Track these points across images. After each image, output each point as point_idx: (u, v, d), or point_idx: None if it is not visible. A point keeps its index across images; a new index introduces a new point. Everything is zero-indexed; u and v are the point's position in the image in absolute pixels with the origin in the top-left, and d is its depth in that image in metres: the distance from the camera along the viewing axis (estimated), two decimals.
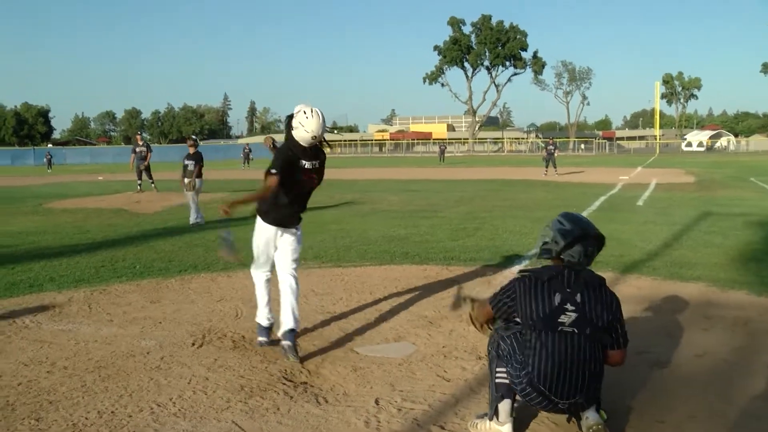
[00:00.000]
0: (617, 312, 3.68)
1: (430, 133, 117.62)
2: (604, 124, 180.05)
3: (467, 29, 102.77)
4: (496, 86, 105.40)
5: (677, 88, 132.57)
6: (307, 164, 5.24)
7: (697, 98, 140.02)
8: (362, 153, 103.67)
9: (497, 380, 3.69)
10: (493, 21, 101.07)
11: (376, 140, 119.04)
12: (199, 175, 13.65)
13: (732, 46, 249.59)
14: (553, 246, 3.68)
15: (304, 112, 5.09)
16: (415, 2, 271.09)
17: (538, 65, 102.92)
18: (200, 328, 5.91)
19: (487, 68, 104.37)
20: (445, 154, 59.83)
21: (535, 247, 3.98)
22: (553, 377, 3.50)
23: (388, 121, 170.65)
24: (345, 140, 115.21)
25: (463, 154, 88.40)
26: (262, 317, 5.53)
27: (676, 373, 4.66)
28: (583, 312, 3.54)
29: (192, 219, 13.47)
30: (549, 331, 3.54)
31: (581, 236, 3.62)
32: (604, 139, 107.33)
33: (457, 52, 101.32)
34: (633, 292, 7.00)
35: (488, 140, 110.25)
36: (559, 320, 3.53)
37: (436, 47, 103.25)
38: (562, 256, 3.65)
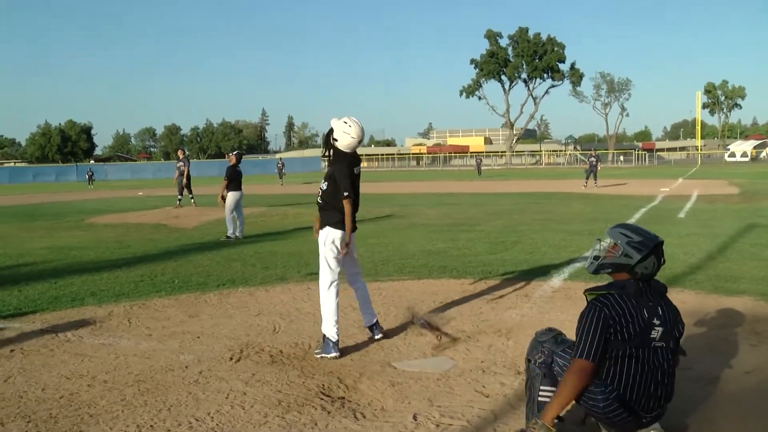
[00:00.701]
0: (682, 324, 3.70)
1: (468, 147, 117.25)
2: (644, 135, 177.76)
3: (504, 42, 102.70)
4: (534, 99, 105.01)
5: (720, 97, 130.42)
6: (356, 170, 5.75)
7: (741, 108, 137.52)
8: (399, 167, 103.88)
9: (540, 399, 3.64)
10: (530, 33, 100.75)
11: (413, 154, 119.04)
12: (230, 188, 13.78)
13: None
14: (624, 260, 3.56)
15: (345, 122, 5.58)
16: (451, 16, 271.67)
17: (576, 77, 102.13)
18: (238, 343, 5.92)
19: (525, 81, 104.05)
20: (482, 167, 59.68)
21: (587, 263, 3.88)
22: (646, 392, 3.48)
23: (425, 134, 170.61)
24: (382, 154, 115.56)
25: (500, 167, 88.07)
26: (336, 331, 5.58)
27: (724, 390, 4.53)
28: (666, 325, 3.53)
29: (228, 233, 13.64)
30: (643, 348, 3.47)
31: (653, 246, 3.56)
32: (643, 150, 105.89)
33: (494, 65, 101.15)
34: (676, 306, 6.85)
35: (526, 153, 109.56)
36: (651, 336, 3.48)
37: (472, 60, 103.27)
38: (635, 269, 3.55)
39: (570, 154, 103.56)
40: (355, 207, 5.71)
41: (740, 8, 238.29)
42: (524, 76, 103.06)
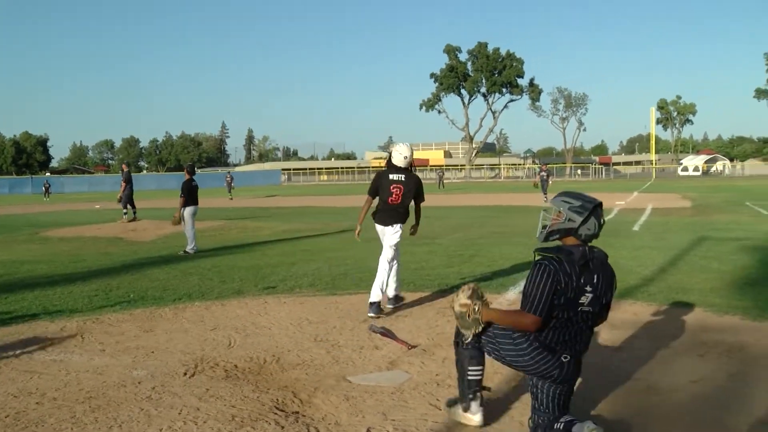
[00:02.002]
0: (614, 290, 4.02)
1: (427, 160, 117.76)
2: (601, 149, 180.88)
3: (463, 57, 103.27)
4: (493, 113, 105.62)
5: (672, 113, 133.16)
6: (394, 177, 7.60)
7: (692, 123, 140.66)
8: (360, 180, 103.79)
9: (470, 377, 4.14)
10: (489, 48, 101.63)
11: (373, 167, 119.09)
12: (185, 203, 13.64)
13: (726, 72, 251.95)
14: (569, 224, 3.88)
15: (398, 145, 7.80)
16: (411, 30, 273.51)
17: (535, 92, 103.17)
18: (192, 358, 5.86)
19: (484, 95, 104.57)
20: (444, 180, 60.03)
21: (538, 232, 4.05)
22: (564, 342, 3.83)
23: (385, 148, 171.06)
24: (342, 167, 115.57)
25: (460, 181, 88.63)
26: (375, 295, 7.40)
27: (672, 400, 4.61)
28: (596, 292, 3.83)
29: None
30: (569, 311, 3.79)
31: (591, 207, 3.87)
32: (600, 164, 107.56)
33: (454, 79, 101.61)
34: (628, 318, 6.98)
35: (485, 166, 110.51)
36: (580, 301, 3.79)
37: (432, 74, 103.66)
38: (579, 232, 3.87)
39: (529, 168, 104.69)
40: (385, 205, 7.72)
41: (691, 26, 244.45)
42: (483, 90, 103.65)
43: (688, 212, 22.78)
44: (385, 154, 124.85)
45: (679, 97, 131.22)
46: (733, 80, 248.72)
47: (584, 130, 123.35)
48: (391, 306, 7.71)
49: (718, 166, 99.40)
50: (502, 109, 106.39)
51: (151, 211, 28.14)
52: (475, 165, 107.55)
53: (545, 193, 31.44)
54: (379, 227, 7.80)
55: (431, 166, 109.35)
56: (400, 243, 7.83)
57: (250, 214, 25.73)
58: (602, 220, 3.93)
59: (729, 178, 79.47)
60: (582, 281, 3.77)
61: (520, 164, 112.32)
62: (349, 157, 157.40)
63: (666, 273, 9.77)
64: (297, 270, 10.77)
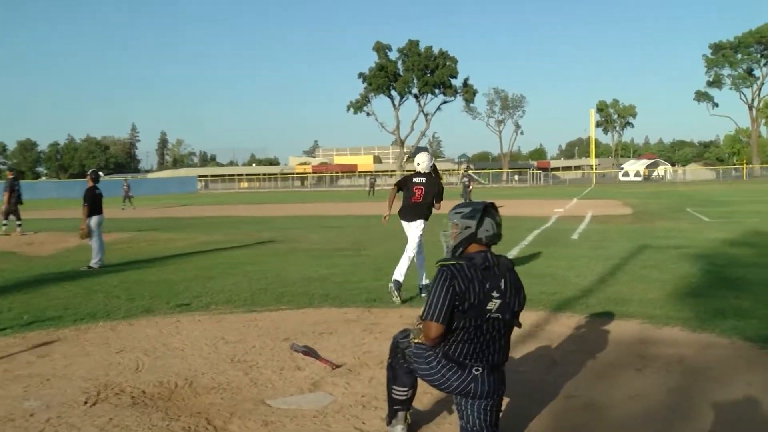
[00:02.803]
0: (524, 298, 4.14)
1: (356, 166, 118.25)
2: (539, 153, 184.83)
3: (394, 55, 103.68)
4: (425, 115, 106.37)
5: (612, 115, 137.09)
6: (416, 179, 9.66)
7: (633, 126, 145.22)
8: (282, 187, 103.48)
9: (394, 396, 4.33)
10: (421, 47, 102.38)
11: (297, 174, 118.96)
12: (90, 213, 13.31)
13: (667, 74, 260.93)
14: (467, 232, 4.10)
15: (417, 155, 9.97)
16: (338, 27, 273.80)
17: (469, 93, 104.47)
18: (95, 384, 5.71)
19: (416, 96, 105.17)
20: (375, 187, 60.24)
21: (444, 252, 4.18)
22: (475, 356, 3.93)
23: (310, 152, 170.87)
24: (264, 174, 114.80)
25: (391, 187, 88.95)
26: (399, 275, 9.25)
27: (609, 416, 4.73)
28: (505, 298, 3.96)
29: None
30: (477, 319, 3.90)
31: (483, 209, 4.14)
32: (538, 169, 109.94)
33: (383, 79, 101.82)
34: (565, 332, 7.14)
35: None
36: (487, 307, 3.91)
37: (361, 74, 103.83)
38: (479, 236, 4.09)
39: (463, 173, 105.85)
40: (408, 202, 9.60)
41: (630, 26, 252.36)
42: (415, 91, 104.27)
43: (629, 219, 23.46)
44: (310, 159, 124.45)
45: (616, 101, 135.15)
46: (674, 82, 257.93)
47: (521, 133, 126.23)
48: (423, 295, 9.12)
49: (660, 170, 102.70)
50: (435, 111, 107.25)
51: (51, 222, 27.39)
52: (407, 171, 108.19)
53: (467, 201, 31.24)
54: (404, 223, 9.60)
55: (360, 172, 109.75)
56: (422, 237, 9.57)
57: (162, 225, 25.29)
58: (498, 218, 4.17)
59: (671, 183, 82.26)
60: (487, 286, 3.91)
61: (454, 170, 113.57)
62: (272, 162, 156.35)
63: (605, 283, 10.04)
64: (213, 285, 10.64)
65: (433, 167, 9.95)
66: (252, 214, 32.47)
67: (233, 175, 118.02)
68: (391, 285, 9.18)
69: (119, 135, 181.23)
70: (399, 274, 9.24)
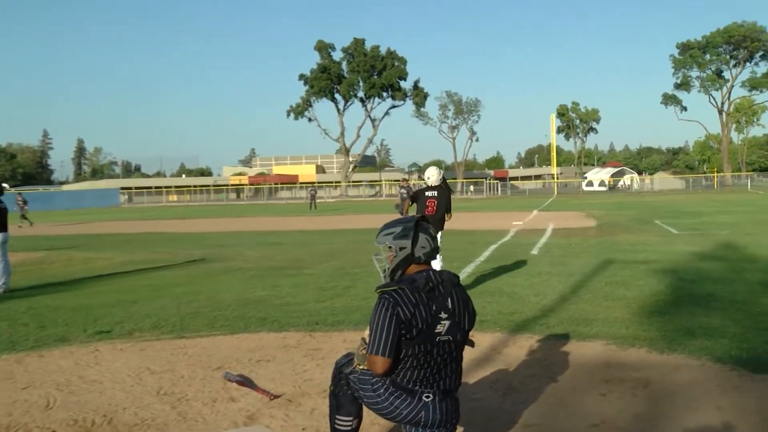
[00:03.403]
0: (474, 314, 4.18)
1: (297, 176, 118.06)
2: (496, 162, 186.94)
3: (338, 55, 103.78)
4: (372, 121, 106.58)
5: (575, 120, 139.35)
6: (428, 193, 11.32)
7: (596, 132, 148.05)
8: (216, 201, 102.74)
9: (338, 427, 4.33)
10: (368, 46, 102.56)
11: (232, 185, 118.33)
12: None
13: (632, 76, 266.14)
14: (403, 253, 4.10)
15: (428, 170, 11.71)
16: (277, 24, 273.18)
17: (420, 96, 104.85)
18: None
19: (362, 100, 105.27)
20: (317, 200, 60.19)
21: (382, 280, 4.18)
22: (425, 382, 3.95)
23: (246, 162, 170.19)
24: (195, 186, 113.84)
25: (335, 200, 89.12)
26: None
27: None
28: (454, 317, 4.00)
29: None
30: (426, 344, 3.92)
31: (414, 225, 4.15)
32: (495, 179, 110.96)
33: (327, 81, 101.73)
34: (523, 355, 7.21)
35: (364, 183, 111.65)
36: (436, 330, 3.93)
37: (302, 76, 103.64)
38: (416, 255, 4.10)
39: (414, 184, 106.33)
40: (420, 213, 11.02)
41: (590, 24, 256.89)
42: (361, 94, 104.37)
43: (593, 232, 23.80)
44: (246, 170, 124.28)
45: (576, 104, 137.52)
46: (641, 85, 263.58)
47: (477, 140, 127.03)
48: None
49: (626, 180, 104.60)
50: (383, 117, 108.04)
51: None
52: (353, 182, 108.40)
53: (402, 215, 30.85)
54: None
55: (301, 183, 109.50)
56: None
57: (79, 243, 24.88)
58: (432, 231, 4.20)
59: (637, 193, 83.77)
60: (434, 308, 3.93)
61: (404, 180, 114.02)
62: (204, 173, 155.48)
63: (567, 302, 10.16)
64: (138, 310, 10.49)
65: (443, 179, 11.56)
66: (182, 230, 32.23)
67: (161, 187, 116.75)
68: None
69: (28, 142, 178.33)
70: None
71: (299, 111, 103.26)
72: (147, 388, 6.45)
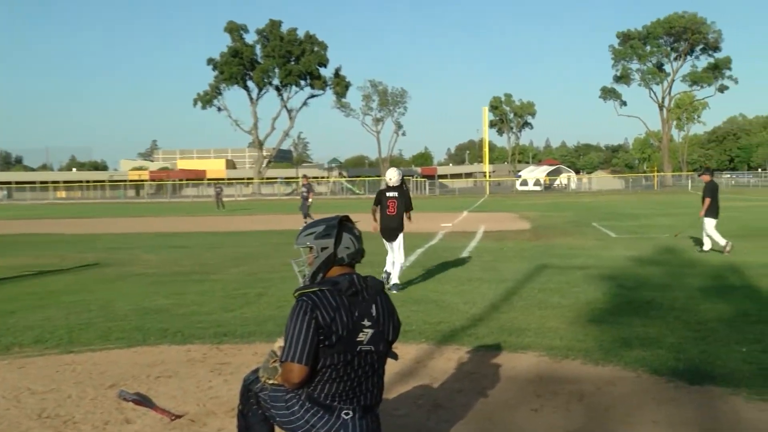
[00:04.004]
0: (399, 324, 4.22)
1: (204, 172, 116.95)
2: (424, 158, 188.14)
3: (251, 38, 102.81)
4: (289, 111, 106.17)
5: (508, 114, 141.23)
6: (389, 194, 12.91)
7: (532, 127, 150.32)
8: (111, 198, 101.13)
9: None
10: (284, 29, 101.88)
11: (131, 181, 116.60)
12: None
13: (570, 67, 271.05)
14: (325, 254, 4.10)
15: (388, 171, 13.50)
16: (183, 1, 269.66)
17: (341, 85, 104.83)
18: None
19: (277, 88, 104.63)
20: (223, 198, 59.72)
21: (303, 282, 4.17)
22: (344, 397, 3.94)
23: (147, 155, 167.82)
24: (88, 181, 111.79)
25: (246, 199, 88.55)
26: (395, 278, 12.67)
27: None
28: (377, 326, 4.01)
29: None
30: (346, 354, 3.91)
31: (336, 224, 4.17)
32: (423, 177, 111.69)
33: (238, 66, 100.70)
34: (450, 368, 7.27)
35: (279, 180, 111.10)
36: (358, 339, 3.94)
37: (210, 60, 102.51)
38: (339, 255, 4.12)
39: (334, 182, 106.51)
40: (385, 216, 13.01)
41: (526, 10, 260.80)
42: (276, 82, 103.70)
43: (527, 235, 24.20)
44: (147, 164, 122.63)
45: (510, 97, 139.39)
46: (579, 77, 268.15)
47: (403, 134, 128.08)
48: (394, 291, 11.89)
49: (563, 179, 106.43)
50: (301, 107, 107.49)
51: None
52: (267, 178, 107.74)
53: (305, 216, 31.05)
54: (386, 242, 13.07)
55: (209, 179, 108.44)
56: (402, 246, 13.04)
57: None
58: (357, 232, 4.24)
59: (575, 193, 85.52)
60: (357, 315, 3.93)
61: (323, 177, 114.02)
62: (98, 167, 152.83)
63: (498, 310, 10.30)
64: (17, 321, 10.23)
65: (402, 180, 13.29)
66: (72, 230, 31.56)
67: (47, 182, 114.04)
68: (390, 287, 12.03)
69: None
70: (395, 277, 12.60)
71: (207, 99, 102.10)
72: (26, 411, 6.28)
